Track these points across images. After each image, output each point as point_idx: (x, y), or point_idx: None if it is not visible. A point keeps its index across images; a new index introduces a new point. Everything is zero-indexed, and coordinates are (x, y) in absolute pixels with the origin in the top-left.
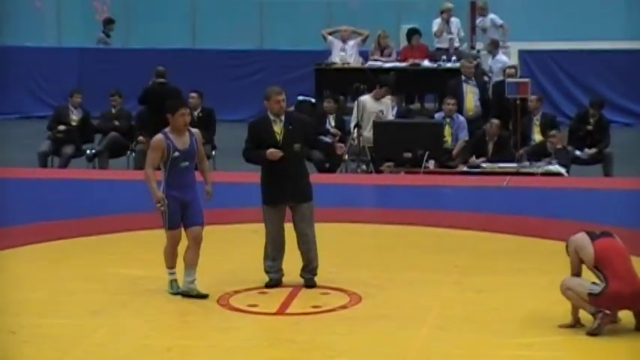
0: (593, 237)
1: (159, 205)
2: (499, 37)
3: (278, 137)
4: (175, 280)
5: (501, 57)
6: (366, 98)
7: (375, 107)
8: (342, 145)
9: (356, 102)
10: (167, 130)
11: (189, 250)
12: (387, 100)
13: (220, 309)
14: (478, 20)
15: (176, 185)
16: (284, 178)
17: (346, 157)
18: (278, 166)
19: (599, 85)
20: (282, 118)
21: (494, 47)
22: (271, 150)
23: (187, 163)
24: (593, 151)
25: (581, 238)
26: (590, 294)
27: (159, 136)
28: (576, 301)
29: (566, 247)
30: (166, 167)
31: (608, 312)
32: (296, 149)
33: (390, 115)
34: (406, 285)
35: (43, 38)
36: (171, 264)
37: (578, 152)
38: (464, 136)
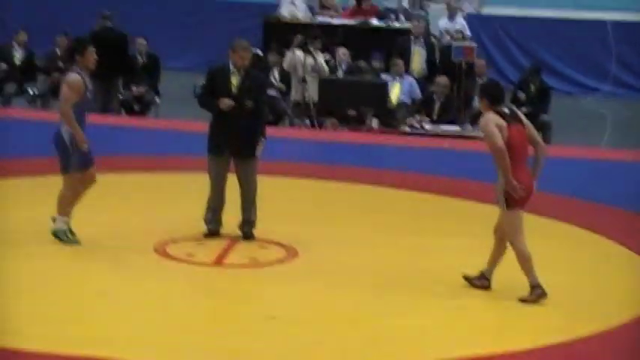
0: (508, 120)
1: (85, 145)
2: (454, 2)
3: (233, 89)
4: (70, 229)
5: (453, 20)
6: (291, 52)
7: (306, 61)
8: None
9: (288, 55)
10: (78, 69)
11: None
12: (319, 53)
13: (157, 257)
14: None
15: (82, 125)
16: (231, 130)
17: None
18: (227, 118)
19: (545, 53)
20: (243, 72)
21: (447, 10)
22: (224, 99)
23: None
24: (526, 111)
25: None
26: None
27: (77, 76)
28: (523, 265)
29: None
30: (77, 107)
31: (545, 291)
32: (248, 105)
33: (324, 64)
34: (343, 242)
35: None
36: (69, 210)
37: None
38: (419, 93)
